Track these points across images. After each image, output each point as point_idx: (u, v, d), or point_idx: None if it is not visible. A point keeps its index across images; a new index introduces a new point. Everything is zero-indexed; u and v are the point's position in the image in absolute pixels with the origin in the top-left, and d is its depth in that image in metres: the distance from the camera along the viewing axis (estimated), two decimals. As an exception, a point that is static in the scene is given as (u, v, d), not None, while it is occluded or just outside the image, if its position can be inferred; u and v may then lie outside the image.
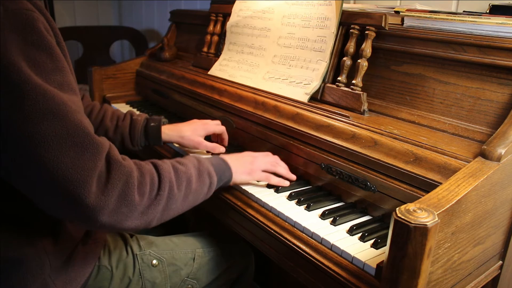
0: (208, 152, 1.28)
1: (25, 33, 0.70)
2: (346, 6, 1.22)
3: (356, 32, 1.13)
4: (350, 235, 0.88)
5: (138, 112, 1.42)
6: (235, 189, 1.09)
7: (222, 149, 1.25)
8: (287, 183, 1.07)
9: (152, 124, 1.26)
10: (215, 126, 1.29)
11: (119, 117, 1.28)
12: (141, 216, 0.79)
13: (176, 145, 1.34)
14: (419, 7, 1.28)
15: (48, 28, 0.74)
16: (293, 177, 1.11)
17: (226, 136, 1.31)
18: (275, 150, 1.18)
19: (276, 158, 1.13)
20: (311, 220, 0.93)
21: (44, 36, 0.72)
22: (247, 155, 1.09)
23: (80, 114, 0.75)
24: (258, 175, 1.06)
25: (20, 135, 0.69)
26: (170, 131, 1.26)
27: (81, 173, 0.71)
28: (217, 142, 1.31)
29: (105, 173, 0.74)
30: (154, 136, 1.26)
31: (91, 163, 0.72)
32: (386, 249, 0.66)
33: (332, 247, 0.84)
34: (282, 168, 1.11)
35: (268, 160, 1.10)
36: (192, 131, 1.26)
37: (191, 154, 0.97)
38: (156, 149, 1.39)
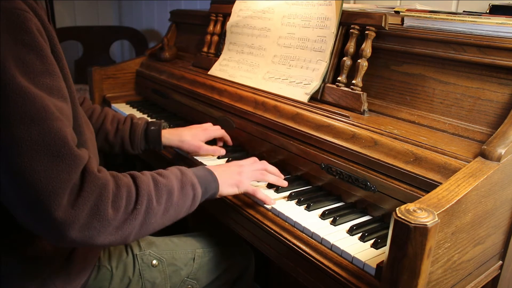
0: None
1: (16, 33, 0.68)
2: (346, 6, 1.22)
3: (356, 32, 1.13)
4: (350, 235, 0.88)
5: (138, 116, 1.41)
6: (235, 189, 1.09)
7: (222, 151, 1.25)
8: (273, 202, 1.01)
9: (152, 127, 1.26)
10: (215, 131, 1.30)
11: (120, 120, 1.28)
12: (115, 232, 0.74)
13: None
14: (419, 7, 1.28)
15: (41, 30, 0.72)
16: (285, 184, 1.07)
17: (228, 138, 1.31)
18: (275, 150, 1.18)
19: (263, 164, 1.08)
20: (311, 220, 0.93)
21: (35, 37, 0.70)
22: (234, 165, 1.04)
23: (63, 122, 0.71)
24: (246, 187, 1.01)
25: None
26: (171, 135, 1.26)
27: (53, 184, 0.67)
28: (221, 145, 1.31)
29: (78, 186, 0.70)
30: (154, 140, 1.26)
31: (65, 175, 0.68)
32: (386, 249, 0.66)
33: (332, 247, 0.84)
34: (272, 176, 1.06)
35: (256, 168, 1.05)
36: (192, 136, 1.25)
37: (175, 167, 0.93)
38: (159, 152, 1.39)
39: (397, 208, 0.64)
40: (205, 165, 1.14)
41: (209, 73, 1.54)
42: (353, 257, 0.80)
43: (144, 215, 0.78)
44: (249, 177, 1.02)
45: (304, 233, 0.90)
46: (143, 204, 0.78)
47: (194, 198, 0.90)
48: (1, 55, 0.66)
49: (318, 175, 1.07)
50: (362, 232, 0.87)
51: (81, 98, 1.29)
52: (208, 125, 1.33)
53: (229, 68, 1.49)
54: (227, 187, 0.99)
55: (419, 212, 0.63)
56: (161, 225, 0.84)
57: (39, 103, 0.68)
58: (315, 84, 1.19)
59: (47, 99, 0.69)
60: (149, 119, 1.51)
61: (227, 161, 1.21)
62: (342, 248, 0.82)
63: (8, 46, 0.67)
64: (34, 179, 0.66)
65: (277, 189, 1.06)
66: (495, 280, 0.96)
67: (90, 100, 1.36)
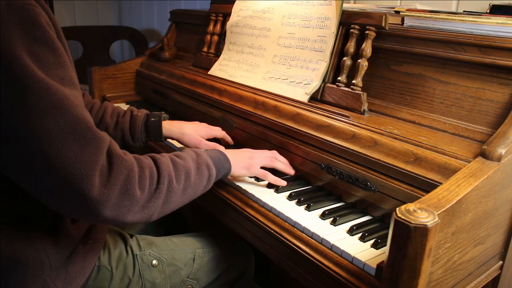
0: None
1: (28, 28, 0.70)
2: (346, 6, 1.22)
3: (356, 32, 1.13)
4: (350, 235, 0.87)
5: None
6: (235, 189, 1.09)
7: (222, 148, 1.25)
8: (284, 183, 1.07)
9: (152, 119, 1.26)
10: (217, 130, 1.31)
11: (119, 113, 1.28)
12: (142, 210, 0.80)
13: (176, 144, 1.34)
14: (419, 7, 1.28)
15: (50, 23, 0.75)
16: (292, 172, 1.13)
17: (229, 138, 1.32)
18: (275, 150, 1.18)
19: (274, 153, 1.14)
20: (311, 220, 0.93)
21: (46, 31, 0.72)
22: (245, 151, 1.11)
23: (82, 108, 0.75)
24: (256, 170, 1.07)
25: (23, 130, 0.69)
26: (172, 127, 1.26)
27: (84, 167, 0.71)
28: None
29: (107, 167, 0.75)
30: (154, 131, 1.26)
31: (93, 157, 0.73)
32: (386, 249, 0.66)
33: (332, 247, 0.84)
34: (281, 163, 1.12)
35: (266, 156, 1.11)
36: (194, 130, 1.26)
37: (190, 149, 0.99)
38: (156, 149, 1.39)
39: (397, 208, 0.64)
40: None
41: (209, 73, 1.54)
42: (353, 257, 0.80)
43: (166, 194, 0.84)
44: (259, 163, 1.08)
45: (304, 233, 0.90)
46: (165, 183, 0.83)
47: (209, 178, 0.95)
48: (18, 51, 0.68)
49: (318, 175, 1.07)
50: (362, 232, 0.86)
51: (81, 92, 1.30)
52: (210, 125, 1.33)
53: (229, 68, 1.48)
54: (239, 169, 1.05)
55: (419, 212, 0.63)
56: (180, 204, 0.89)
57: (60, 94, 0.71)
58: (315, 84, 1.18)
59: (64, 89, 0.73)
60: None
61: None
62: (342, 248, 0.82)
63: (22, 42, 0.69)
64: (67, 165, 0.70)
65: (277, 189, 1.05)
66: (496, 280, 0.96)
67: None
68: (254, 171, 1.07)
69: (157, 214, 0.84)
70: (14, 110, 0.68)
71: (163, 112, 1.30)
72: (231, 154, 1.05)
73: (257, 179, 1.11)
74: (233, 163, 1.04)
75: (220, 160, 1.01)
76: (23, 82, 0.68)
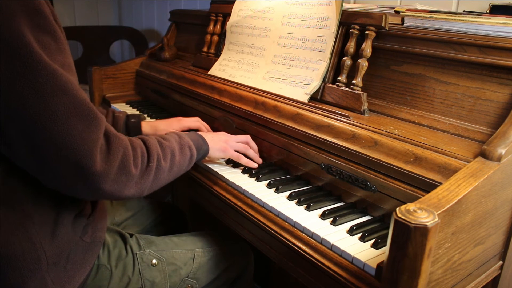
0: None
1: (33, 17, 0.75)
2: (346, 6, 1.22)
3: (356, 32, 1.13)
4: (350, 235, 0.87)
5: (119, 110, 1.54)
6: (235, 189, 1.09)
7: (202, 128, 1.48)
8: (255, 165, 1.17)
9: (132, 120, 1.38)
10: (191, 122, 1.39)
11: (102, 113, 1.35)
12: (135, 185, 0.87)
13: None
14: (419, 7, 1.28)
15: (51, 13, 0.79)
16: (260, 161, 1.21)
17: (204, 130, 1.40)
18: (275, 150, 1.18)
19: (247, 138, 1.22)
20: (311, 220, 0.93)
21: (49, 20, 0.77)
22: (222, 134, 1.20)
23: (82, 91, 0.80)
24: (231, 153, 1.16)
25: (31, 111, 0.73)
26: (147, 125, 1.38)
27: (87, 144, 0.77)
28: None
29: (105, 145, 0.81)
30: (134, 131, 1.37)
31: (95, 135, 0.79)
32: (386, 249, 0.66)
33: (332, 247, 0.84)
34: (252, 151, 1.21)
35: (241, 140, 1.20)
36: (166, 125, 1.38)
37: (172, 131, 1.07)
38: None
39: (397, 208, 0.64)
40: None
41: (209, 73, 1.54)
42: (353, 257, 0.80)
43: (155, 171, 0.92)
44: (234, 146, 1.18)
45: (304, 233, 0.90)
46: (154, 162, 0.92)
47: (191, 158, 1.05)
48: (26, 38, 0.73)
49: (318, 175, 1.07)
50: (362, 232, 0.86)
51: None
52: (183, 118, 1.43)
53: (229, 68, 1.48)
54: (215, 151, 1.15)
55: (419, 212, 0.63)
56: (167, 181, 0.98)
57: (64, 77, 0.76)
58: (315, 84, 1.18)
59: (65, 74, 0.77)
60: (143, 113, 1.59)
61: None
62: (342, 248, 0.82)
63: (29, 30, 0.74)
64: (71, 143, 0.76)
65: (277, 189, 1.05)
66: (496, 280, 0.96)
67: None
68: (229, 153, 1.16)
69: (148, 190, 0.92)
70: (23, 92, 0.72)
71: (141, 113, 1.42)
72: (208, 137, 1.15)
73: (257, 178, 1.11)
74: (210, 145, 1.13)
75: (199, 141, 1.10)
76: (32, 66, 0.73)
